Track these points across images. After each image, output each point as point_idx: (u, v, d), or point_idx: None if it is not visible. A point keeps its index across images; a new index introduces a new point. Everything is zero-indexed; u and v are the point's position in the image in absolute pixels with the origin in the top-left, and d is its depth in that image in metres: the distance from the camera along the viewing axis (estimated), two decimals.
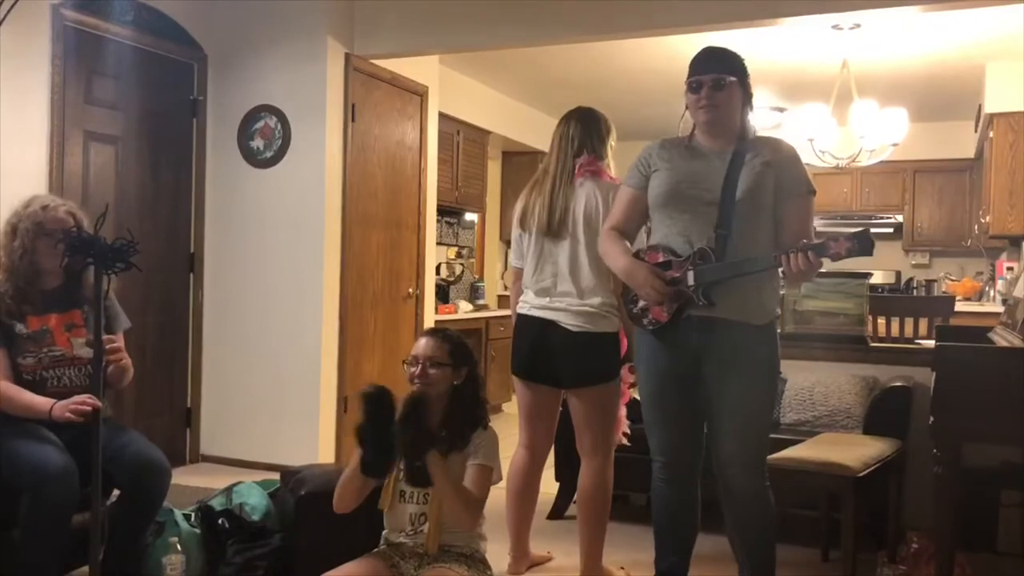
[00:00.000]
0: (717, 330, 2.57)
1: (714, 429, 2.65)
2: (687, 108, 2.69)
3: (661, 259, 2.62)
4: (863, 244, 2.37)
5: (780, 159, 2.63)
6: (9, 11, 3.73)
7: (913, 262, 8.61)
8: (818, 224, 8.47)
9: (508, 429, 3.52)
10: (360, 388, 2.46)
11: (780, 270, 2.56)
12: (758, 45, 5.46)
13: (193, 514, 3.20)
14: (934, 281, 8.20)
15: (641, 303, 2.66)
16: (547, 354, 3.15)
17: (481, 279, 8.13)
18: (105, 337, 2.70)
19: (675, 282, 2.57)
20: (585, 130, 3.23)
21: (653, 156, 2.72)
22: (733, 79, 2.61)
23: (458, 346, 2.57)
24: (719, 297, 2.55)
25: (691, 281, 2.55)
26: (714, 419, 2.64)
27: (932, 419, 2.76)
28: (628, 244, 2.76)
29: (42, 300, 2.92)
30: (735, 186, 2.56)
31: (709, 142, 2.67)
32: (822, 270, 2.57)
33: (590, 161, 3.20)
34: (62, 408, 2.70)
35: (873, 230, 8.18)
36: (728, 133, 2.65)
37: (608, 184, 3.16)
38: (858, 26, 5.14)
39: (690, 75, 2.65)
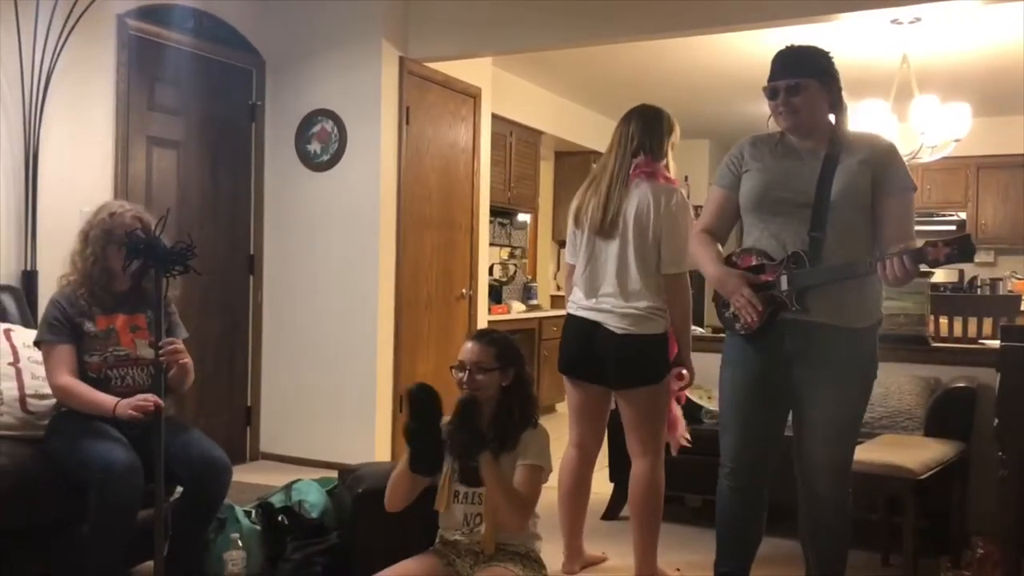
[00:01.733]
0: (812, 334, 2.50)
1: (804, 435, 2.58)
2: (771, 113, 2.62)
3: (754, 263, 2.57)
4: (964, 250, 2.26)
5: (877, 156, 2.55)
6: (77, 21, 3.86)
7: (977, 260, 8.37)
8: None
9: (560, 429, 3.52)
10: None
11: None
12: (816, 41, 5.35)
13: (253, 511, 3.25)
14: (999, 280, 7.99)
15: (732, 307, 2.59)
16: (593, 355, 3.15)
17: (534, 279, 8.14)
18: (166, 340, 2.79)
19: (768, 287, 2.51)
20: (645, 129, 3.20)
21: (745, 155, 2.65)
22: (811, 81, 2.53)
23: (504, 348, 2.56)
24: (814, 301, 2.48)
25: (784, 286, 2.49)
26: (805, 425, 2.58)
27: (997, 421, 2.70)
28: (719, 248, 2.70)
29: (112, 301, 3.01)
30: (829, 187, 2.49)
31: (800, 141, 2.60)
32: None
33: (647, 162, 3.17)
34: (125, 406, 2.77)
35: (935, 228, 8.12)
36: (818, 133, 2.58)
37: (663, 187, 3.14)
38: (918, 20, 5.04)
39: (768, 80, 2.58)
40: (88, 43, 4.09)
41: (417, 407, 2.44)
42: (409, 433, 2.45)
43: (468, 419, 2.45)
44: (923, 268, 2.35)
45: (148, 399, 2.72)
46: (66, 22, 3.86)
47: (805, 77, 2.54)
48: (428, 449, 2.45)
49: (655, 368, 3.13)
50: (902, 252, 2.33)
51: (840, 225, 2.49)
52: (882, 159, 2.56)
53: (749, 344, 2.61)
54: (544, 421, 2.65)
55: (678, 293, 3.14)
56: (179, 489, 2.95)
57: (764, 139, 2.67)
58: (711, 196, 2.77)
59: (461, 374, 2.53)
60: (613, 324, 3.11)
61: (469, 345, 2.57)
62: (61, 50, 3.86)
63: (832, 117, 2.61)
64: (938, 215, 8.25)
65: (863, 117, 5.50)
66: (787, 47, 2.62)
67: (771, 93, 2.57)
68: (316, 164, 5.13)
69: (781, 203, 2.54)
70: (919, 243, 2.38)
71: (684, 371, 3.17)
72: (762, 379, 2.61)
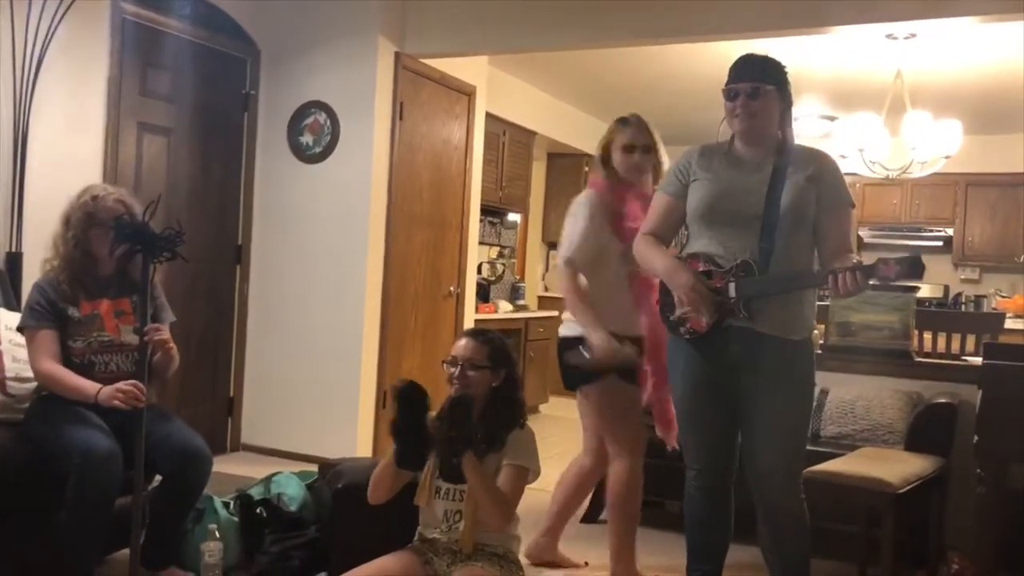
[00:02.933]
0: (757, 343, 2.54)
1: (751, 442, 2.63)
2: (726, 115, 2.66)
3: (702, 268, 2.59)
4: (913, 268, 2.35)
5: (823, 173, 2.60)
6: (71, 4, 3.83)
7: (962, 277, 8.45)
8: (866, 235, 8.39)
9: (544, 431, 3.52)
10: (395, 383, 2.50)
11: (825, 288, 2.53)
12: (810, 53, 5.40)
13: (232, 502, 3.25)
14: (984, 297, 8.04)
15: (679, 311, 2.62)
16: None
17: (522, 280, 8.14)
18: (152, 325, 2.77)
19: (716, 293, 2.54)
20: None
21: (693, 164, 2.68)
22: (770, 87, 2.58)
23: (498, 348, 2.58)
24: (760, 311, 2.52)
25: (732, 293, 2.53)
26: (752, 432, 2.62)
27: (977, 438, 2.71)
28: (662, 245, 2.74)
29: (95, 286, 2.99)
30: (778, 200, 2.53)
31: (747, 151, 2.63)
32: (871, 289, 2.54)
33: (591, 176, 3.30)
34: (109, 393, 2.75)
35: (922, 243, 8.16)
36: (767, 142, 2.62)
37: (576, 201, 3.24)
38: (913, 36, 5.06)
39: (727, 83, 2.62)
40: (82, 26, 4.06)
41: (405, 403, 2.44)
42: (396, 429, 2.45)
43: (459, 417, 2.44)
44: (873, 282, 2.43)
45: (135, 389, 2.71)
46: (60, 4, 3.83)
47: (765, 83, 2.58)
48: (414, 445, 2.45)
49: (567, 372, 3.22)
50: (855, 268, 2.40)
51: (787, 238, 2.53)
52: (827, 176, 2.61)
53: (695, 349, 2.64)
54: (528, 422, 2.65)
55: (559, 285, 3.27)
56: (158, 477, 2.94)
57: (713, 148, 2.71)
58: (656, 202, 2.79)
59: (452, 369, 2.53)
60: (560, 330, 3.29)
61: (463, 341, 2.58)
62: (54, 32, 3.83)
63: (776, 128, 2.64)
64: (925, 230, 8.30)
65: (855, 130, 5.53)
66: (748, 54, 2.66)
67: (731, 95, 2.60)
68: (308, 156, 5.12)
69: (730, 214, 2.58)
70: (871, 259, 2.45)
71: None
72: (709, 383, 2.64)
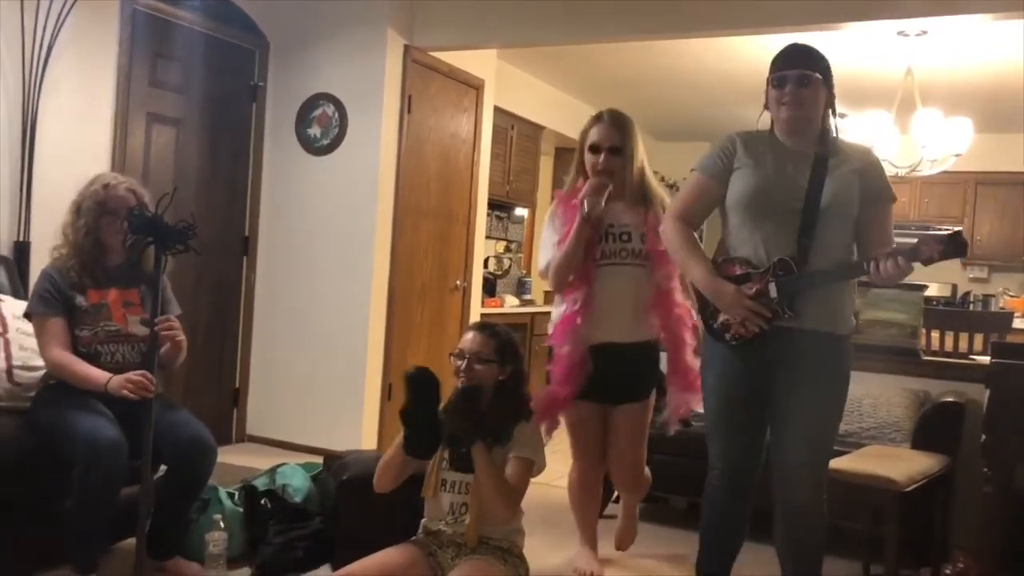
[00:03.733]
0: (798, 339, 2.50)
1: (781, 437, 2.58)
2: (765, 106, 2.61)
3: (739, 271, 2.55)
4: (957, 246, 2.30)
5: (867, 167, 2.57)
6: None
7: (971, 276, 8.42)
8: None
9: None
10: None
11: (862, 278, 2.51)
12: (821, 48, 5.37)
13: (237, 493, 3.26)
14: (992, 296, 8.00)
15: (722, 318, 2.58)
16: None
17: (528, 274, 8.13)
18: (162, 316, 2.77)
19: (757, 296, 2.50)
20: None
21: (738, 150, 2.60)
22: (818, 77, 2.53)
23: (505, 343, 2.57)
24: (804, 306, 2.48)
25: (774, 294, 2.48)
26: (783, 427, 2.57)
27: (984, 437, 2.70)
28: (703, 251, 2.66)
29: (104, 275, 2.99)
30: (819, 193, 2.49)
31: (791, 141, 2.58)
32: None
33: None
34: (119, 383, 2.76)
35: None
36: (810, 133, 2.57)
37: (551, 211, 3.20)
38: (925, 33, 5.03)
39: (774, 70, 2.56)
40: (92, 15, 4.07)
41: (416, 390, 2.43)
42: (406, 415, 2.44)
43: (470, 406, 2.44)
44: (916, 265, 2.36)
45: (144, 379, 2.71)
46: None
47: (814, 71, 2.54)
48: (424, 433, 2.44)
49: None
50: (896, 252, 2.36)
51: (827, 231, 2.49)
52: (871, 170, 2.58)
53: (730, 350, 2.60)
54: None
55: None
56: (163, 468, 2.95)
57: (756, 137, 2.63)
58: (692, 181, 2.69)
59: (460, 362, 2.53)
60: None
61: (471, 335, 2.57)
62: (64, 21, 3.84)
63: (820, 120, 2.60)
64: (934, 228, 8.23)
65: (865, 127, 5.51)
66: (794, 43, 2.62)
67: (779, 82, 2.54)
68: (316, 148, 5.11)
69: (772, 206, 2.52)
70: (907, 244, 2.39)
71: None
72: (744, 385, 2.61)
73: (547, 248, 3.12)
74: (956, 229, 2.37)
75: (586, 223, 2.97)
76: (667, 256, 2.91)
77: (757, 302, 2.49)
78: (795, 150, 2.57)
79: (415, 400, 2.43)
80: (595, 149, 3.05)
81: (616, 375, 3.07)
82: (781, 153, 2.57)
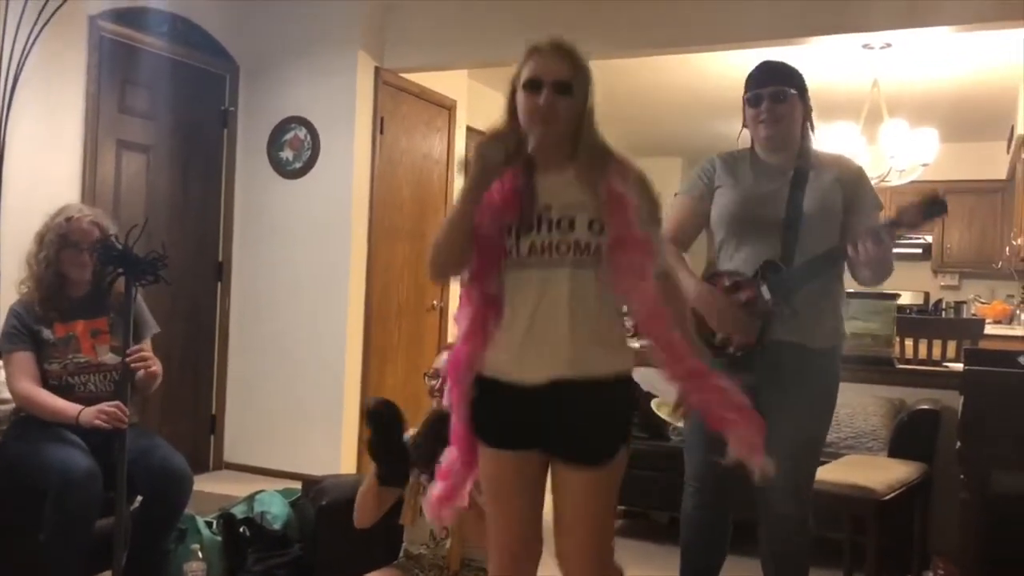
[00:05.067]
0: (782, 355, 2.51)
1: (770, 454, 2.59)
2: (744, 125, 2.63)
3: (727, 283, 2.57)
4: (936, 206, 2.34)
5: (849, 175, 2.60)
6: (48, 21, 3.81)
7: (942, 283, 8.51)
8: None
9: None
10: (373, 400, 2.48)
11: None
12: (788, 63, 5.43)
13: (215, 521, 3.21)
14: (964, 303, 8.09)
15: (720, 335, 2.58)
16: None
17: None
18: (134, 347, 2.75)
19: (749, 304, 2.52)
20: None
21: (718, 169, 2.65)
22: (794, 92, 2.56)
23: None
24: (791, 318, 2.49)
25: (767, 295, 2.50)
26: (770, 444, 2.57)
27: (959, 444, 2.72)
28: (689, 263, 2.67)
29: (69, 307, 2.96)
30: (801, 204, 2.52)
31: (771, 157, 2.60)
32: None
33: None
34: (91, 414, 2.73)
35: (902, 250, 8.20)
36: (789, 148, 2.60)
37: None
38: (889, 46, 5.11)
39: (749, 89, 2.59)
40: (59, 44, 4.04)
41: (376, 422, 2.42)
42: (373, 448, 2.44)
43: (444, 430, 2.43)
44: (901, 233, 2.42)
45: (118, 410, 2.68)
46: (36, 21, 3.80)
47: (789, 87, 2.56)
48: (393, 461, 2.44)
49: None
50: (875, 228, 2.39)
51: (812, 241, 2.52)
52: (854, 178, 2.61)
53: (716, 363, 2.60)
54: None
55: None
56: (139, 498, 2.91)
57: (736, 156, 2.68)
58: (678, 204, 2.73)
59: (434, 382, 2.52)
60: None
61: (446, 354, 2.56)
62: (31, 49, 3.81)
63: (799, 134, 2.62)
64: (905, 238, 8.33)
65: (834, 140, 5.57)
66: (766, 60, 2.64)
67: (754, 100, 2.57)
68: (288, 171, 5.10)
69: (756, 221, 2.55)
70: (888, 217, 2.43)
71: None
72: None
73: None
74: (932, 192, 2.39)
75: (481, 183, 1.92)
76: (637, 244, 1.98)
77: (751, 308, 2.50)
78: (775, 165, 2.59)
79: (376, 431, 2.42)
80: (533, 86, 1.97)
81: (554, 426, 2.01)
82: (761, 169, 2.60)
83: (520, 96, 2.00)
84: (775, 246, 2.52)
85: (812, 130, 2.64)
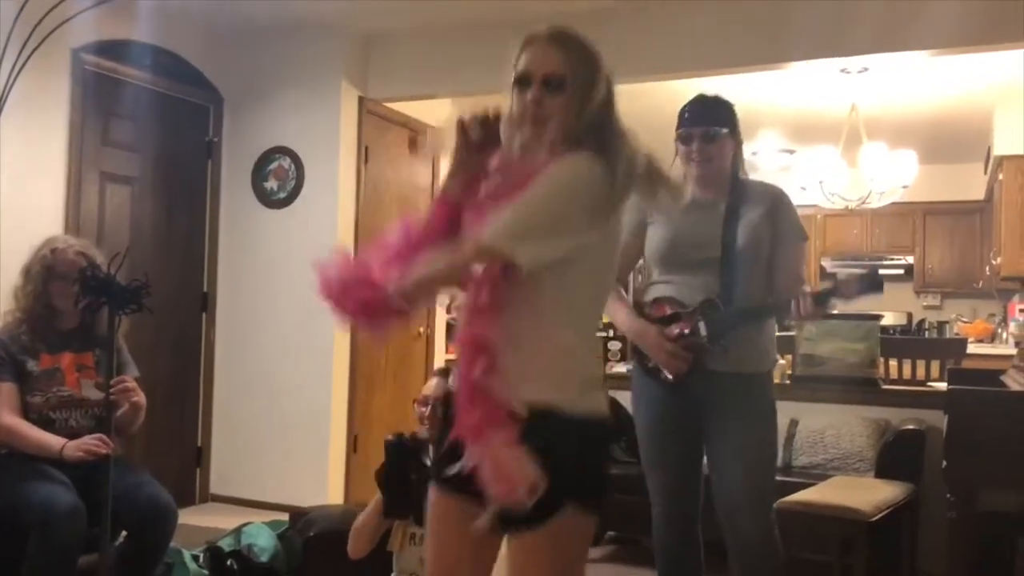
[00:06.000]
0: (723, 382, 2.55)
1: (719, 478, 2.61)
2: (676, 155, 2.66)
3: (668, 312, 2.60)
4: (872, 284, 2.44)
5: (777, 209, 2.65)
6: (31, 55, 3.81)
7: (924, 304, 8.57)
8: (829, 265, 8.49)
9: None
10: (381, 433, 2.55)
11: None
12: (767, 88, 5.50)
13: (202, 555, 3.19)
14: (946, 323, 8.15)
15: (654, 360, 2.62)
16: None
17: None
18: (118, 378, 2.73)
19: (685, 336, 2.55)
20: None
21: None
22: (724, 131, 2.60)
23: None
24: (732, 345, 2.54)
25: (704, 332, 2.54)
26: (719, 468, 2.61)
27: (945, 463, 2.73)
28: (626, 297, 2.74)
29: (57, 340, 2.94)
30: (734, 239, 2.57)
31: (702, 192, 2.64)
32: (834, 311, 2.59)
33: None
34: (74, 448, 2.70)
35: (883, 271, 8.26)
36: (721, 183, 2.64)
37: None
38: (866, 70, 5.18)
39: (680, 126, 2.64)
40: (42, 77, 4.04)
41: (394, 456, 2.47)
42: (385, 481, 2.48)
43: (402, 460, 2.46)
44: (836, 303, 2.52)
45: (100, 443, 2.66)
46: (19, 54, 3.81)
47: (719, 125, 2.60)
48: (402, 494, 2.46)
49: None
50: (815, 293, 2.49)
51: (745, 274, 2.57)
52: (782, 211, 2.66)
53: (660, 386, 2.64)
54: None
55: None
56: (123, 533, 2.88)
57: None
58: None
59: (423, 409, 2.53)
60: None
61: (434, 381, 2.58)
62: (14, 83, 3.80)
63: (730, 168, 2.66)
64: (887, 259, 8.42)
65: (814, 162, 5.63)
66: (699, 96, 2.68)
67: (686, 138, 2.61)
68: (273, 201, 5.10)
69: (688, 257, 2.60)
70: (828, 284, 2.55)
71: None
72: (673, 415, 2.64)
73: None
74: (872, 270, 2.54)
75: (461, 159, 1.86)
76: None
77: (686, 339, 2.54)
78: (707, 200, 2.62)
79: (392, 465, 2.44)
80: (523, 81, 1.81)
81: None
82: (692, 205, 2.61)
83: (512, 92, 1.80)
84: (711, 279, 2.56)
85: (743, 161, 2.69)
